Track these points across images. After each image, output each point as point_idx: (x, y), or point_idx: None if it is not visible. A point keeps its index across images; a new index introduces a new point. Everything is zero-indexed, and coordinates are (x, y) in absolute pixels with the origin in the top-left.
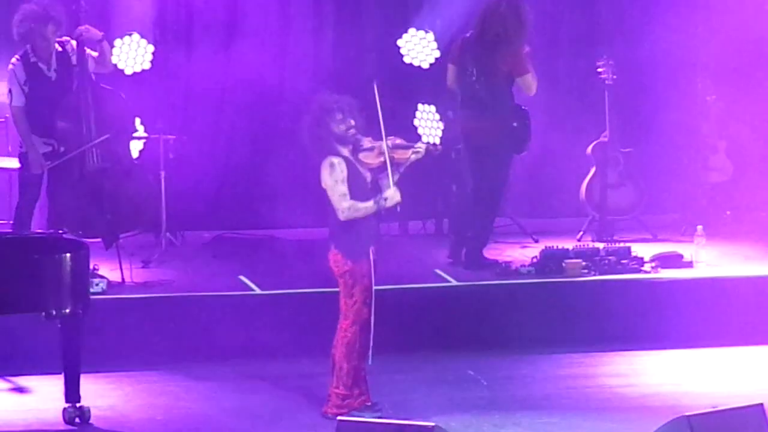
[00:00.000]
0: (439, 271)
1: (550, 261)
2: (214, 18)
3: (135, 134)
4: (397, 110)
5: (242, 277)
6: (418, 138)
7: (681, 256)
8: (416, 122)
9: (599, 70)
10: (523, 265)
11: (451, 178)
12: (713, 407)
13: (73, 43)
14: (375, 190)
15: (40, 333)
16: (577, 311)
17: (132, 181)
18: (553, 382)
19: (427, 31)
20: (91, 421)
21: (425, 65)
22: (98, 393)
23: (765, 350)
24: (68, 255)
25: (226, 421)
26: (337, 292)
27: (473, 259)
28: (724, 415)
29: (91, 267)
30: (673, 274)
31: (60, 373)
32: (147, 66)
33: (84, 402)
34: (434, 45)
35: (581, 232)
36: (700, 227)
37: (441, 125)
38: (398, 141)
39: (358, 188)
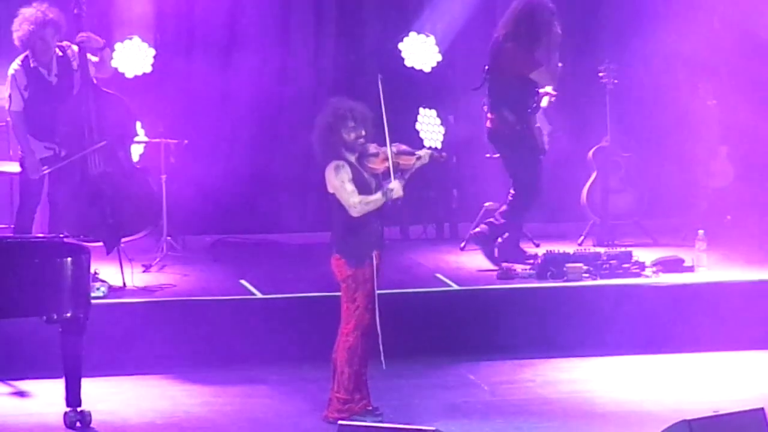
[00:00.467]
0: (439, 276)
1: (551, 265)
2: (215, 22)
3: (136, 138)
4: (398, 114)
5: (243, 282)
6: (421, 142)
7: (682, 261)
8: (417, 126)
9: (600, 74)
10: (524, 269)
11: (452, 183)
12: (714, 412)
13: (74, 48)
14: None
15: (41, 337)
16: (578, 316)
17: (133, 185)
18: (554, 387)
19: (428, 35)
20: (92, 426)
21: (426, 69)
22: (99, 397)
23: (766, 355)
24: (69, 259)
25: (226, 426)
26: (338, 297)
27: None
28: (725, 419)
29: (92, 271)
30: (674, 278)
31: (61, 378)
32: (148, 70)
33: (85, 406)
34: (435, 49)
35: (582, 237)
36: (701, 232)
37: (442, 129)
38: (402, 147)
39: (363, 189)
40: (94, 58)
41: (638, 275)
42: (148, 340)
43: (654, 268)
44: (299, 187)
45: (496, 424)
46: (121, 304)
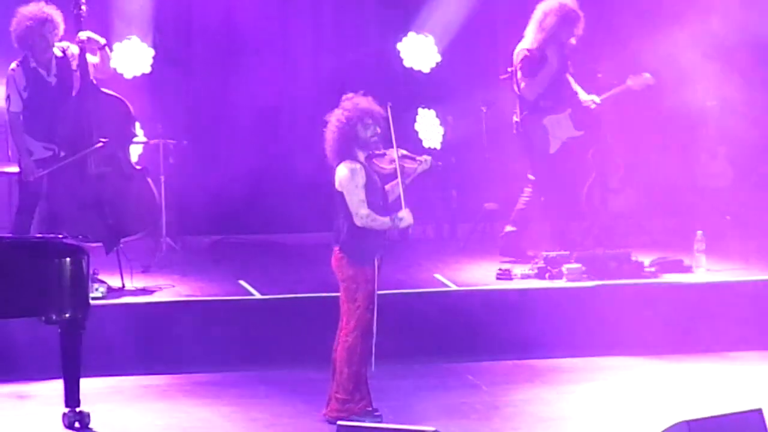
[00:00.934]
0: (439, 276)
1: (551, 266)
2: (214, 22)
3: (135, 139)
4: (397, 115)
5: (242, 282)
6: (420, 142)
7: (681, 261)
8: (417, 127)
9: (599, 75)
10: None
11: (451, 184)
12: (713, 412)
13: (74, 48)
14: (385, 195)
15: (39, 337)
16: (577, 316)
17: (132, 185)
18: (553, 387)
19: (426, 36)
20: (90, 426)
21: (425, 69)
22: (98, 398)
23: (765, 355)
24: (68, 259)
25: (225, 426)
26: (337, 297)
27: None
28: (724, 420)
29: (91, 272)
30: (672, 279)
31: (59, 378)
32: (147, 70)
33: (83, 407)
34: (434, 49)
35: (581, 237)
36: (699, 232)
37: (441, 130)
38: (405, 152)
39: (372, 192)
40: (94, 59)
41: (637, 276)
42: (147, 340)
43: (653, 269)
44: (298, 187)
45: (494, 424)
46: (120, 305)
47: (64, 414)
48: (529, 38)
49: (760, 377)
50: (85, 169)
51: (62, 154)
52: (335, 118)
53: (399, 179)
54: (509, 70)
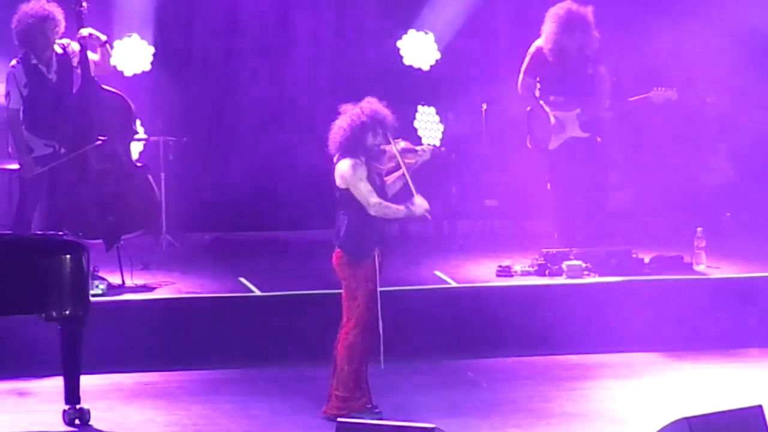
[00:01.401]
0: (439, 273)
1: (551, 262)
2: (214, 20)
3: (135, 136)
4: (397, 112)
5: (242, 279)
6: (419, 139)
7: (681, 258)
8: (416, 124)
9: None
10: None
11: (451, 181)
12: (713, 409)
13: (75, 45)
14: (384, 192)
15: (40, 335)
16: (578, 313)
17: (133, 183)
18: (553, 384)
19: (426, 33)
20: (90, 423)
21: (425, 67)
22: (98, 394)
23: (765, 351)
24: (68, 257)
25: (225, 423)
26: (338, 294)
27: None
28: (724, 416)
29: (92, 269)
30: (672, 275)
31: (60, 375)
32: (147, 68)
33: (84, 403)
34: (434, 47)
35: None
36: (699, 229)
37: (441, 127)
38: (405, 144)
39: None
40: (95, 56)
41: (637, 272)
42: (147, 337)
43: (653, 266)
44: (298, 184)
45: (495, 421)
46: (120, 302)
47: (65, 411)
48: (542, 38)
49: (760, 374)
50: (85, 166)
51: (62, 150)
52: (352, 115)
53: (405, 171)
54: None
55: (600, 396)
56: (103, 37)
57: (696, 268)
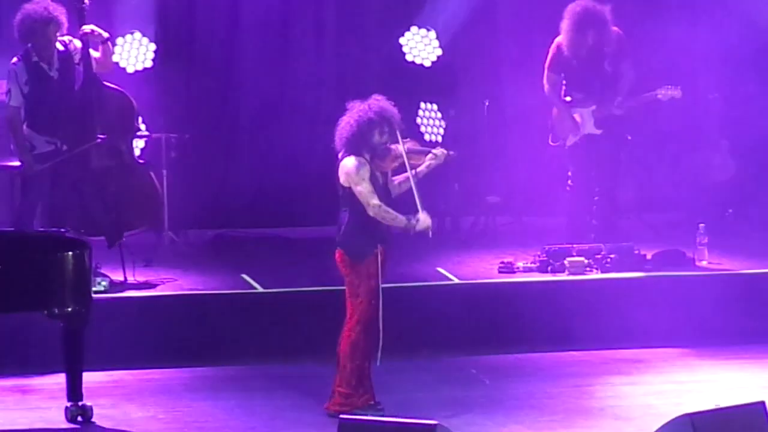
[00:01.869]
0: (441, 270)
1: (553, 259)
2: (216, 16)
3: (137, 133)
4: (399, 109)
5: (245, 276)
6: (422, 136)
7: (683, 254)
8: (418, 120)
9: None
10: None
11: (453, 177)
12: (715, 405)
13: (76, 42)
14: (388, 193)
15: (42, 332)
16: (580, 309)
17: (135, 179)
18: (555, 381)
19: (429, 29)
20: (93, 420)
21: (427, 63)
22: (100, 391)
23: (767, 348)
24: (70, 254)
25: (228, 419)
26: (341, 291)
27: None
28: (726, 413)
29: (94, 265)
30: (675, 271)
31: (62, 372)
32: (149, 64)
33: (86, 400)
34: (436, 43)
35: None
36: (702, 225)
37: (443, 123)
38: (413, 146)
39: (375, 189)
40: (96, 53)
41: (639, 269)
42: (149, 334)
43: (655, 262)
44: (301, 180)
45: (497, 418)
46: (123, 299)
47: (67, 408)
48: (561, 35)
49: (762, 370)
50: (87, 163)
51: (64, 148)
52: (359, 111)
53: (411, 179)
54: None
55: (603, 392)
56: (105, 34)
57: (698, 264)
